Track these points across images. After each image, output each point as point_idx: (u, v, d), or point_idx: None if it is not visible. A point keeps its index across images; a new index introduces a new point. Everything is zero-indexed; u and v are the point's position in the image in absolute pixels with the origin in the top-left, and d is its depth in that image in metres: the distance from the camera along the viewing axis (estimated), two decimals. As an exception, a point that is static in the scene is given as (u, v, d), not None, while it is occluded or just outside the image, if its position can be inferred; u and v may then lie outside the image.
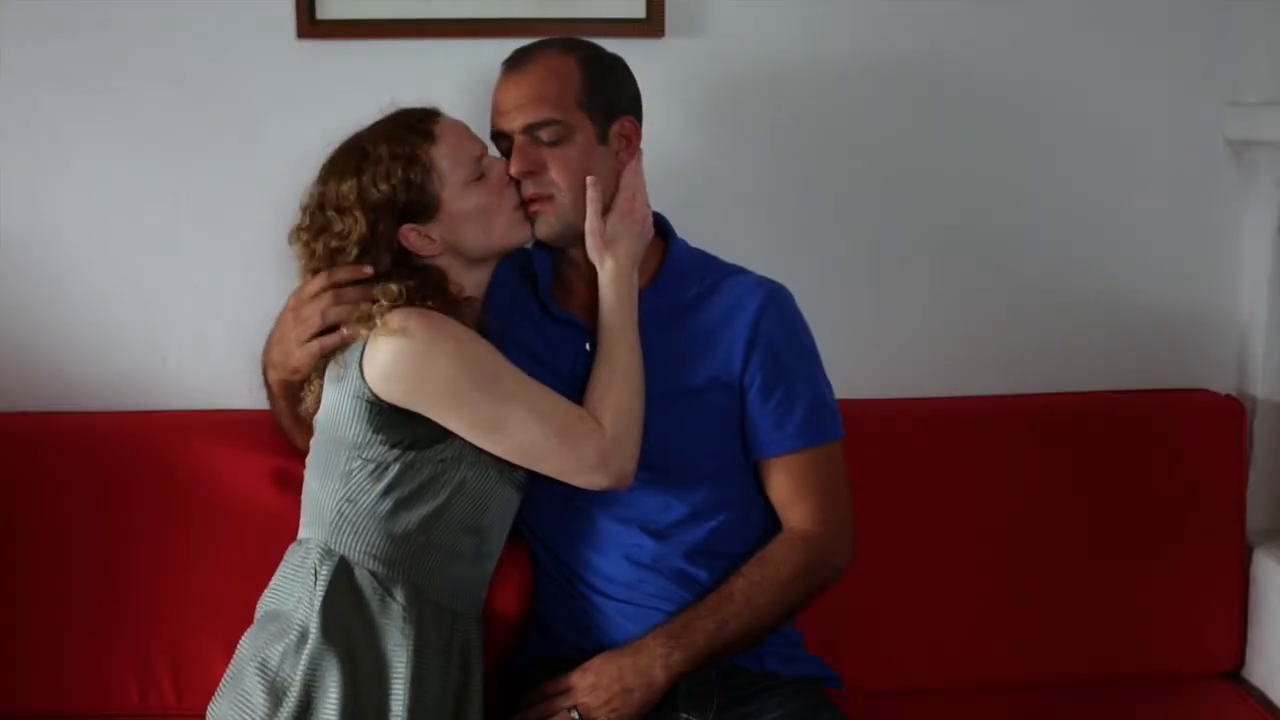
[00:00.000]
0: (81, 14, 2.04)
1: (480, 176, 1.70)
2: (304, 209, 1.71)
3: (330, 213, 1.66)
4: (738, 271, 1.86)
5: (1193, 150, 2.19)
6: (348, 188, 1.65)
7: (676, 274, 1.83)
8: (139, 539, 1.96)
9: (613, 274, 1.74)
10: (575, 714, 1.70)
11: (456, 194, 1.68)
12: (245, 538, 1.93)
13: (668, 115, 2.08)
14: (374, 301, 1.64)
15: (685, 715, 1.73)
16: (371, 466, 1.64)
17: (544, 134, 1.73)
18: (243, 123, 2.08)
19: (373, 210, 1.65)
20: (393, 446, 1.64)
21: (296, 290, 1.72)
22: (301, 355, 1.70)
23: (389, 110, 1.72)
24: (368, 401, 1.63)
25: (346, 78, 2.02)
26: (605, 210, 1.75)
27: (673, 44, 2.09)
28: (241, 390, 2.09)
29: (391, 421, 1.63)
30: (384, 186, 1.64)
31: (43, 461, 2.00)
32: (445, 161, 1.68)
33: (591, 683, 1.71)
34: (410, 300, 1.64)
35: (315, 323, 1.67)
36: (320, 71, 2.05)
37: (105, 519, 1.97)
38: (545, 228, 1.76)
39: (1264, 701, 2.05)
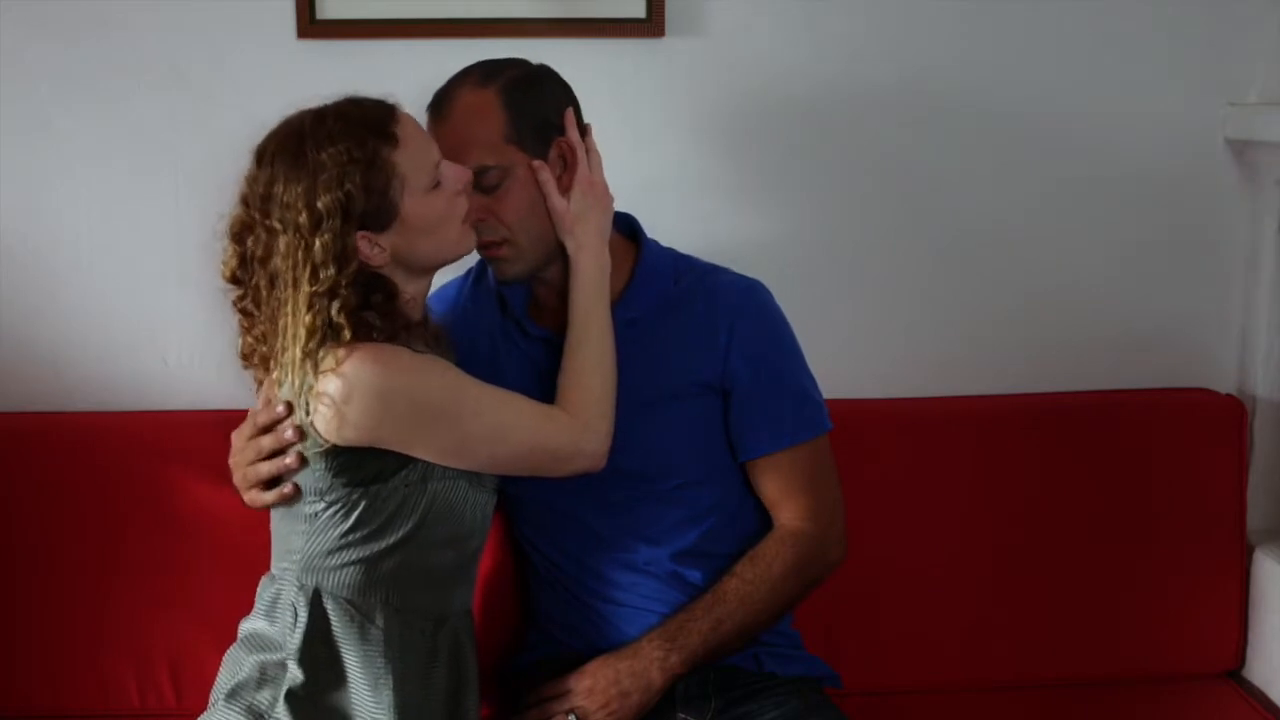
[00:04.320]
0: (81, 14, 2.04)
1: (437, 185, 1.60)
2: (245, 202, 1.58)
3: (274, 221, 1.53)
4: (713, 270, 1.83)
5: (1193, 150, 2.19)
6: (295, 194, 1.52)
7: (651, 277, 1.79)
8: (138, 539, 1.97)
9: (583, 252, 1.70)
10: (573, 717, 1.70)
11: (416, 202, 1.57)
12: (245, 538, 1.92)
13: (667, 115, 2.08)
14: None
15: (683, 716, 1.73)
16: (336, 507, 1.57)
17: (481, 181, 1.66)
18: (243, 123, 2.07)
19: (323, 219, 1.51)
20: (356, 486, 1.56)
21: (239, 429, 1.67)
22: (249, 500, 1.65)
23: (339, 99, 1.60)
24: (322, 452, 1.55)
25: (346, 78, 2.00)
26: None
27: (673, 44, 2.08)
28: (241, 390, 2.09)
29: (351, 462, 1.55)
30: (337, 193, 1.51)
31: (43, 461, 2.00)
32: (407, 168, 1.56)
33: (588, 686, 1.71)
34: (356, 336, 1.52)
35: (250, 477, 1.63)
36: (320, 71, 2.04)
37: (105, 519, 1.97)
38: (508, 270, 1.72)
39: (1264, 701, 2.05)
